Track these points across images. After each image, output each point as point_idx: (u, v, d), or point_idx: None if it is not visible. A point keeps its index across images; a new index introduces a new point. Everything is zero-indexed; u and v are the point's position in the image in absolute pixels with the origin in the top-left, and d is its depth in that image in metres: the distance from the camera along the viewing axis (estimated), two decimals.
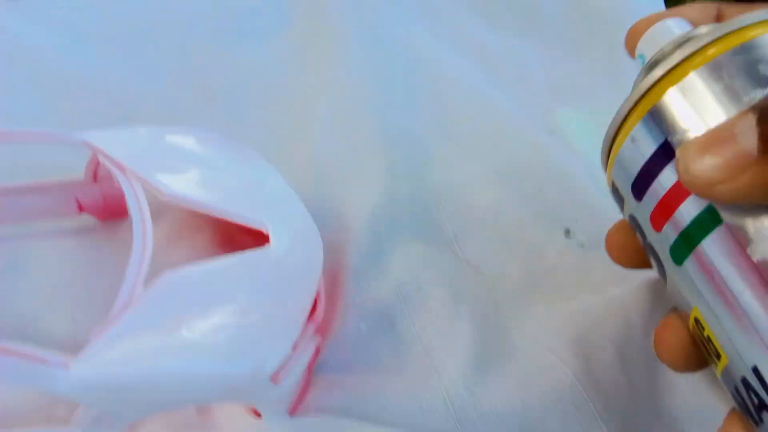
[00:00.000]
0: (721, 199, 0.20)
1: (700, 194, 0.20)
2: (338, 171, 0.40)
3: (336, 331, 0.34)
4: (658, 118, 0.22)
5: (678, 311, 0.24)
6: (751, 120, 0.19)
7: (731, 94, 0.21)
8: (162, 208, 0.36)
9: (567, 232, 0.39)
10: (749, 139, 0.18)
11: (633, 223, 0.25)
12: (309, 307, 0.30)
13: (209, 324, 0.26)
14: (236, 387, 0.27)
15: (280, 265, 0.29)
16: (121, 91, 0.42)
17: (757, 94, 0.20)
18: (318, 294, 0.32)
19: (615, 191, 0.26)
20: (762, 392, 0.19)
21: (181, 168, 0.31)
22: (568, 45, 0.50)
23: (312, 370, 0.32)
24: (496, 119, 0.44)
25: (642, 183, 0.23)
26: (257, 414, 0.29)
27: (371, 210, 0.38)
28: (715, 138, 0.19)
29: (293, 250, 0.30)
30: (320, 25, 0.47)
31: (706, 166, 0.19)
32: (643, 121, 0.23)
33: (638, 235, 0.25)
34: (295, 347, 0.29)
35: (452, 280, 0.36)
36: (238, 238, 0.35)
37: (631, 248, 0.28)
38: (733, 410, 0.23)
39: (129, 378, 0.24)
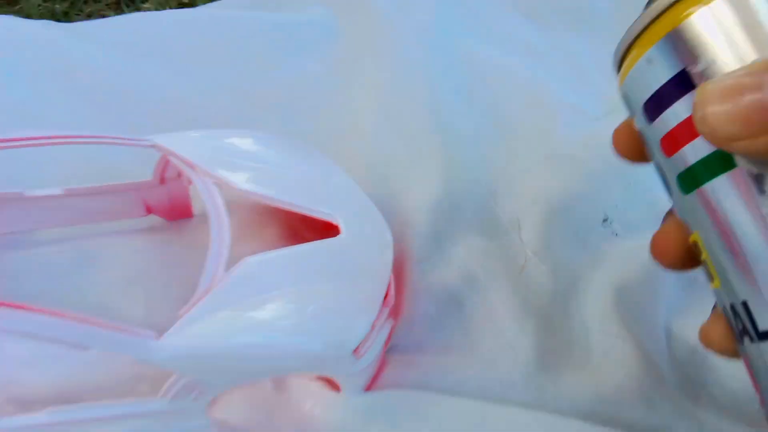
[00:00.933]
0: (739, 153, 0.17)
1: (717, 146, 0.18)
2: (395, 170, 0.41)
3: (406, 315, 0.34)
4: (679, 41, 0.19)
5: (677, 220, 0.22)
6: None
7: None
8: (228, 208, 0.37)
9: (604, 221, 0.39)
10: None
11: (642, 136, 0.22)
12: (383, 291, 0.31)
13: (289, 303, 0.27)
14: (321, 358, 0.28)
15: (353, 252, 0.30)
16: (178, 104, 0.43)
17: None
18: (390, 280, 0.32)
19: (626, 100, 0.23)
20: (747, 323, 0.19)
21: (247, 166, 0.32)
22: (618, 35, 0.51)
23: (385, 351, 0.32)
24: (548, 109, 0.45)
25: (654, 107, 0.20)
26: (336, 388, 0.30)
27: (430, 206, 0.38)
28: (738, 85, 0.16)
29: (363, 239, 0.31)
30: (367, 34, 0.48)
31: (724, 117, 0.16)
32: (661, 42, 0.19)
33: (646, 147, 0.22)
34: (373, 326, 0.29)
35: (515, 266, 0.37)
36: (304, 233, 0.36)
37: (636, 147, 0.24)
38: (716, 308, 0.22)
39: (214, 349, 0.25)
